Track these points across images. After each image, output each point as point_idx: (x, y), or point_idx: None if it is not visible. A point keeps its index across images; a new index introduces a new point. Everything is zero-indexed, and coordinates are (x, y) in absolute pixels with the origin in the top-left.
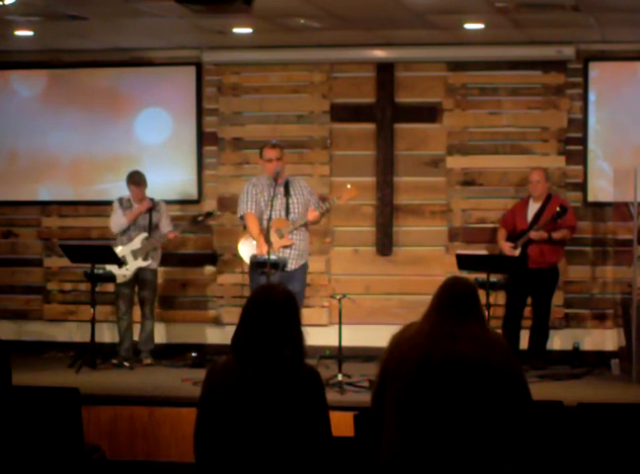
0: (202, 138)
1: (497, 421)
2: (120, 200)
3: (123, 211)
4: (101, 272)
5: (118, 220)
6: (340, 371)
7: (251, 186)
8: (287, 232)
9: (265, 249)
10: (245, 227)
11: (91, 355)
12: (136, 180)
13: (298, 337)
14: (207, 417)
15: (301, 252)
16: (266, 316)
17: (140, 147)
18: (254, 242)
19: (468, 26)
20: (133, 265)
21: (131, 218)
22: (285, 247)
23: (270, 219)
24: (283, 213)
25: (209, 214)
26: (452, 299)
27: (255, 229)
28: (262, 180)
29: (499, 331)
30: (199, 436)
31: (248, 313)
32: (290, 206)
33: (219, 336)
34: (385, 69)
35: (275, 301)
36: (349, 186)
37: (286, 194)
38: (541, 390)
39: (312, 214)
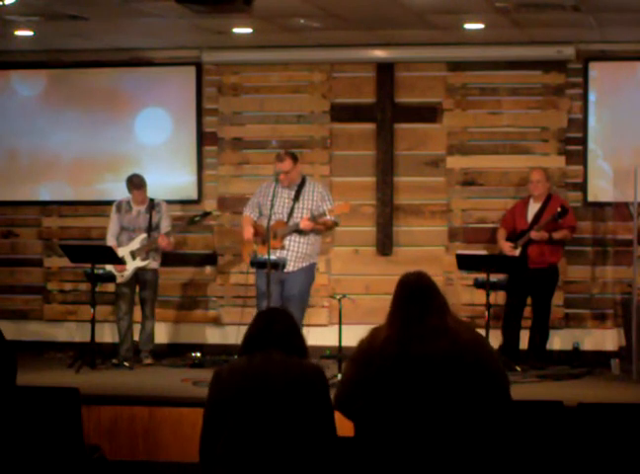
0: (202, 138)
1: (474, 414)
2: (119, 205)
3: (122, 216)
4: (101, 272)
5: (108, 234)
6: (340, 371)
7: (260, 189)
8: (281, 235)
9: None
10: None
11: (91, 355)
12: (137, 183)
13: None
14: (215, 418)
15: (301, 255)
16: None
17: (140, 147)
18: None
19: (468, 26)
20: (132, 265)
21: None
22: (282, 248)
23: (269, 219)
24: (285, 217)
25: (207, 214)
26: (407, 297)
27: (246, 232)
28: (273, 183)
29: (499, 331)
30: (205, 438)
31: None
32: (295, 211)
33: (219, 336)
34: (385, 69)
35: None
36: (344, 202)
37: (295, 198)
38: (541, 390)
39: (304, 223)
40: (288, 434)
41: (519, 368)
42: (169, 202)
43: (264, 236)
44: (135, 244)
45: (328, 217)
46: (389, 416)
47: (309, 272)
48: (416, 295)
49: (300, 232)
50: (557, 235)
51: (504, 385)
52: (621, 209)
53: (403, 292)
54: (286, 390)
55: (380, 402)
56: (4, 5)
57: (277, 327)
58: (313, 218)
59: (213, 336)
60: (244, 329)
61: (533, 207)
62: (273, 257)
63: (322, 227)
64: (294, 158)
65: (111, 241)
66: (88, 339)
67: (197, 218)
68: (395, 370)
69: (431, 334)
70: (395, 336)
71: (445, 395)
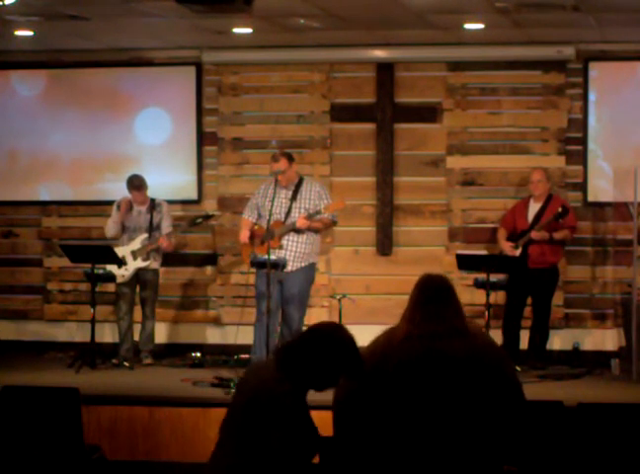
0: (202, 138)
1: (488, 416)
2: (120, 204)
3: (123, 215)
4: (101, 272)
5: (109, 224)
6: None
7: (259, 190)
8: (278, 235)
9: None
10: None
11: (91, 355)
12: (136, 184)
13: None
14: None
15: (300, 255)
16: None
17: (140, 147)
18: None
19: (468, 26)
20: (133, 265)
21: (119, 220)
22: (280, 248)
23: (269, 221)
24: (283, 217)
25: (209, 217)
26: (428, 296)
27: (242, 235)
28: (272, 184)
29: (499, 331)
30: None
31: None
32: (292, 211)
33: (219, 336)
34: (385, 69)
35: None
36: (339, 199)
37: (293, 198)
38: (541, 390)
39: (300, 221)
40: (240, 442)
41: (519, 368)
42: (169, 202)
43: (262, 237)
44: (136, 244)
45: (324, 215)
46: (406, 412)
47: (309, 271)
48: (437, 295)
49: (298, 231)
50: (558, 235)
51: (519, 388)
52: (621, 209)
53: (425, 291)
54: (246, 400)
55: (398, 398)
56: (4, 5)
57: (290, 341)
58: (309, 216)
59: (213, 336)
60: (244, 329)
61: (534, 207)
62: (272, 257)
63: (320, 225)
64: (290, 158)
65: (111, 227)
66: (88, 339)
67: (198, 220)
68: (417, 366)
69: (451, 333)
70: (417, 332)
71: (463, 394)
